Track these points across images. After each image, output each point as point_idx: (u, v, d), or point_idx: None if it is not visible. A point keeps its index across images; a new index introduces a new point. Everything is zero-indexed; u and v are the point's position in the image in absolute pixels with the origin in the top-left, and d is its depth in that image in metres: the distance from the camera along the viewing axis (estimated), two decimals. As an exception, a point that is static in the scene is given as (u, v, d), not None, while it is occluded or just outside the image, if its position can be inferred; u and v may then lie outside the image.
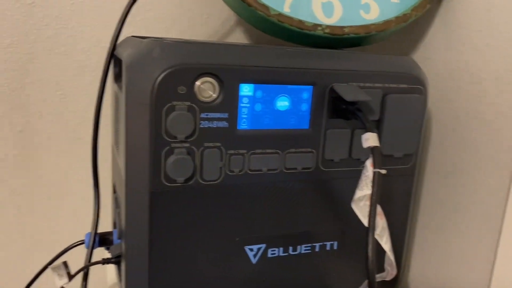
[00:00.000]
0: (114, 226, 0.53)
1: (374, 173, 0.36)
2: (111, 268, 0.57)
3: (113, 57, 0.46)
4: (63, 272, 0.44)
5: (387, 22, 0.51)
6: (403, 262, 0.53)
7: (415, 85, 0.46)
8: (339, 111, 0.43)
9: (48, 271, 0.47)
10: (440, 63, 0.54)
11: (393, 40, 0.63)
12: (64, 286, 0.46)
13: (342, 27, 0.49)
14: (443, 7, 0.54)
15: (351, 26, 0.50)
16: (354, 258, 0.49)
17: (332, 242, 0.48)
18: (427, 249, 0.56)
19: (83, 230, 0.65)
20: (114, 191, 0.52)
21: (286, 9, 0.49)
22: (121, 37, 0.50)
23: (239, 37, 0.66)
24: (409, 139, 0.47)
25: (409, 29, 0.59)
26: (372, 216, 0.35)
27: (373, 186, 0.36)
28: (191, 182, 0.40)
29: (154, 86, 0.37)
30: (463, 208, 0.51)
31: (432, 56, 0.56)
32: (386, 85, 0.45)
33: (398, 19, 0.51)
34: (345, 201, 0.47)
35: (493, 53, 0.47)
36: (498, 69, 0.47)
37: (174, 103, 0.38)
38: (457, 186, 0.52)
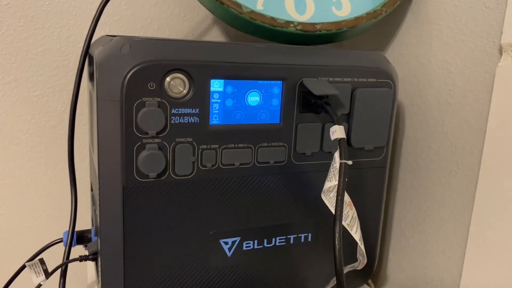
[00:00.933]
0: (93, 224, 0.54)
1: (341, 164, 0.37)
2: (91, 266, 0.58)
3: (87, 56, 0.46)
4: (40, 269, 0.44)
5: (358, 19, 0.52)
6: (377, 252, 0.54)
7: (384, 79, 0.47)
8: (309, 105, 0.44)
9: (26, 270, 0.47)
10: (412, 58, 0.56)
11: (368, 36, 0.64)
12: (42, 283, 0.46)
13: (314, 24, 0.50)
14: (414, 4, 0.55)
15: (322, 23, 0.51)
16: (328, 249, 0.50)
17: (306, 234, 0.48)
18: (404, 241, 0.57)
19: (63, 229, 0.66)
20: (92, 189, 0.53)
21: (259, 7, 0.50)
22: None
23: (216, 36, 0.67)
24: (379, 132, 0.48)
25: (383, 26, 0.60)
26: (339, 205, 0.36)
27: (339, 177, 0.37)
28: (163, 177, 0.41)
29: (124, 83, 0.37)
30: (437, 200, 0.52)
31: (404, 51, 0.57)
32: (355, 79, 0.46)
33: (369, 15, 0.52)
34: (318, 194, 0.47)
35: (461, 47, 0.48)
36: (465, 63, 0.48)
37: (144, 99, 0.38)
38: (430, 178, 0.53)
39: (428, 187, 0.53)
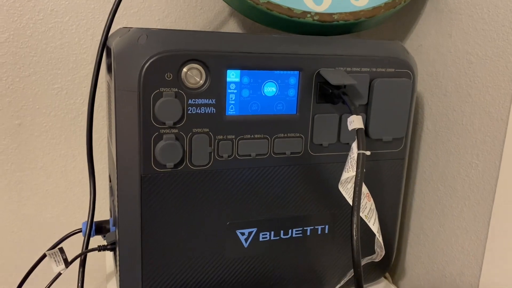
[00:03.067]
0: (111, 215, 0.54)
1: (359, 154, 0.37)
2: (109, 256, 0.59)
3: (105, 48, 0.46)
4: (60, 258, 0.45)
5: (376, 8, 0.51)
6: (395, 245, 0.53)
7: (403, 69, 0.46)
8: (327, 95, 0.44)
9: (47, 259, 0.48)
10: (432, 48, 0.55)
11: (386, 27, 0.63)
12: (62, 272, 0.47)
13: (331, 14, 0.50)
14: (434, -7, 0.54)
15: (340, 13, 0.50)
16: (346, 242, 0.50)
17: (323, 226, 0.48)
18: (422, 235, 0.56)
19: (82, 219, 0.67)
20: (110, 181, 0.53)
21: (276, -2, 0.49)
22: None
23: (232, 28, 0.67)
24: (397, 123, 0.47)
25: (402, 16, 0.59)
26: (356, 196, 0.36)
27: (357, 167, 0.36)
28: (180, 167, 0.41)
29: (141, 73, 0.38)
30: (456, 193, 0.51)
31: (424, 42, 0.56)
32: (374, 69, 0.45)
33: (387, 5, 0.51)
34: (335, 185, 0.47)
35: (481, 37, 0.47)
36: (486, 53, 0.47)
37: (162, 89, 0.38)
38: (450, 171, 0.52)
39: (448, 179, 0.52)
